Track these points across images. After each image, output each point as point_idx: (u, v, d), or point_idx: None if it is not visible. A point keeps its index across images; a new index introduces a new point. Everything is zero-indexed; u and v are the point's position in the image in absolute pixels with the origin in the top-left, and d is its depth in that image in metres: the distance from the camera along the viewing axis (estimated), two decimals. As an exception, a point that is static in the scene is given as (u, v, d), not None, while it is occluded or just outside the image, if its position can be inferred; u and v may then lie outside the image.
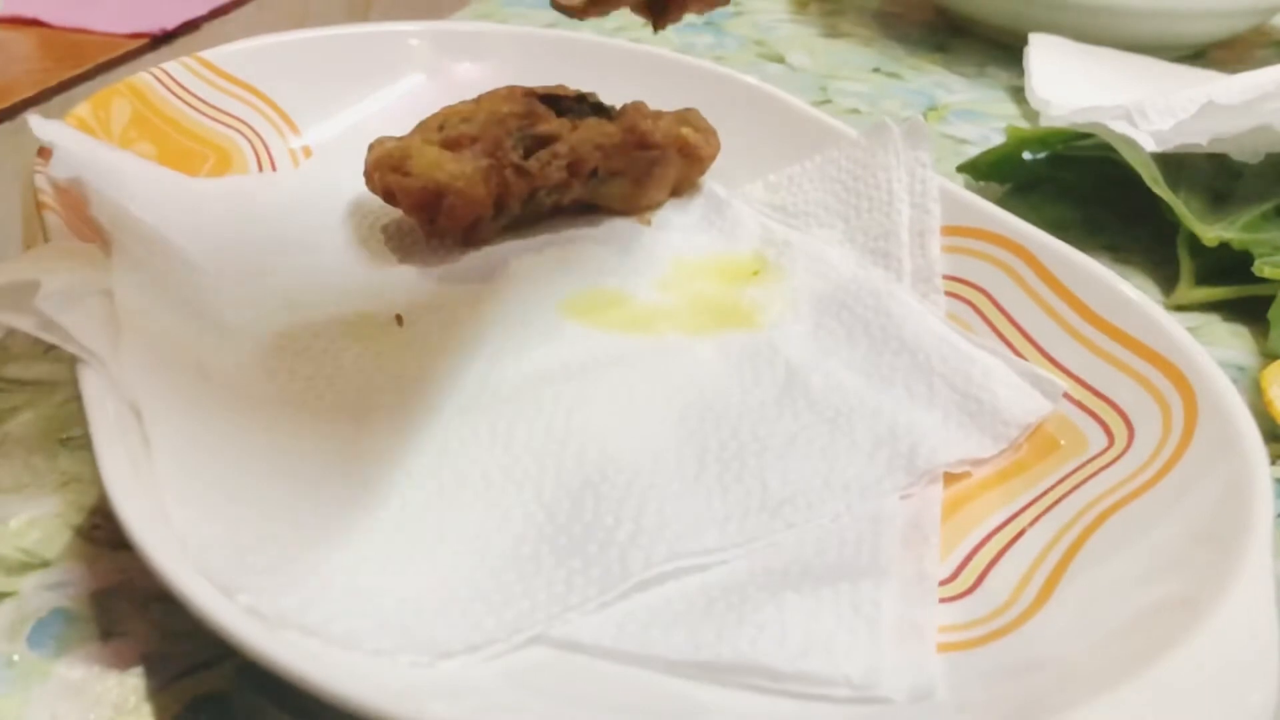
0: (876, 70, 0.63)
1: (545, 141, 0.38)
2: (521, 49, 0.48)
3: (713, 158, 0.41)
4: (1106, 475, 0.27)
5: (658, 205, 0.40)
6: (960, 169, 0.47)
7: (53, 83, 0.58)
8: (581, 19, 0.32)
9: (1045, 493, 0.28)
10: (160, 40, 0.63)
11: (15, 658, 0.24)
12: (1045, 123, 0.52)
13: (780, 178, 0.40)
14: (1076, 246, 0.33)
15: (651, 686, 0.23)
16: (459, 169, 0.36)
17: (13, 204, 0.58)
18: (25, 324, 0.25)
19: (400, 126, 0.39)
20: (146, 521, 0.21)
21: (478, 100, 0.40)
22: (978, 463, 0.29)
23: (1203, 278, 0.40)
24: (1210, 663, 0.21)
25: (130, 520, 0.21)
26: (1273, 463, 0.32)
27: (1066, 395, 0.30)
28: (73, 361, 0.25)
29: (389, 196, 0.37)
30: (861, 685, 0.22)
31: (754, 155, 0.39)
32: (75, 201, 0.32)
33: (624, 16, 0.74)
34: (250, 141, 0.42)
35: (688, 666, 0.23)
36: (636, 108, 0.39)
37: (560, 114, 0.39)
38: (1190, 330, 0.39)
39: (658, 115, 0.40)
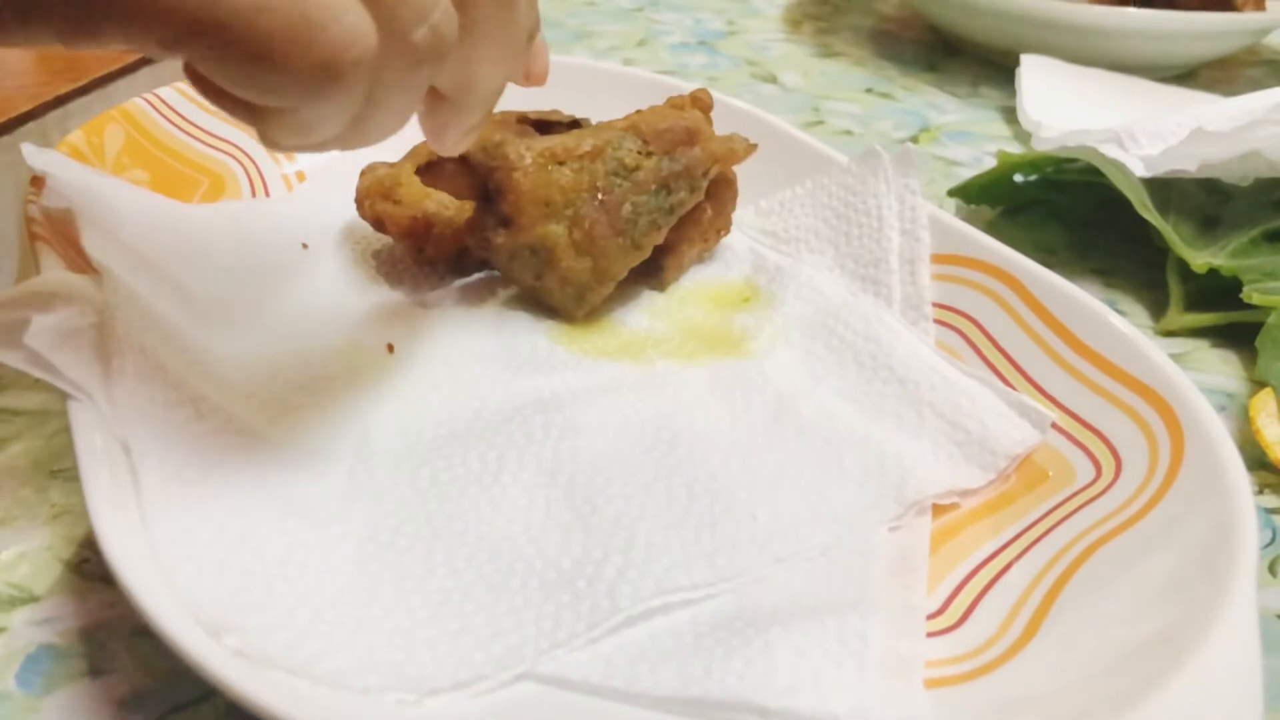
0: (869, 90, 0.63)
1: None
2: (514, 72, 0.48)
3: None
4: (1094, 508, 0.28)
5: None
6: (951, 193, 0.47)
7: (49, 98, 0.58)
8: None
9: (1033, 525, 0.28)
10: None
11: (3, 695, 0.24)
12: (1037, 144, 0.52)
13: (771, 203, 0.41)
14: (1067, 269, 0.33)
15: (639, 724, 0.23)
16: (448, 197, 0.36)
17: (8, 221, 0.58)
18: (15, 360, 0.25)
19: (393, 151, 0.39)
20: (133, 561, 0.21)
21: (470, 126, 0.40)
22: (966, 493, 0.29)
23: (1192, 303, 0.40)
24: (1195, 700, 0.21)
25: (117, 560, 0.21)
26: (1260, 491, 0.33)
27: (1055, 426, 0.30)
28: (65, 393, 0.25)
29: (379, 224, 0.37)
30: (848, 722, 0.22)
31: (745, 180, 0.39)
32: (69, 232, 0.32)
33: (616, 38, 0.74)
34: (244, 166, 0.42)
35: (675, 703, 0.23)
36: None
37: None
38: (1179, 356, 0.39)
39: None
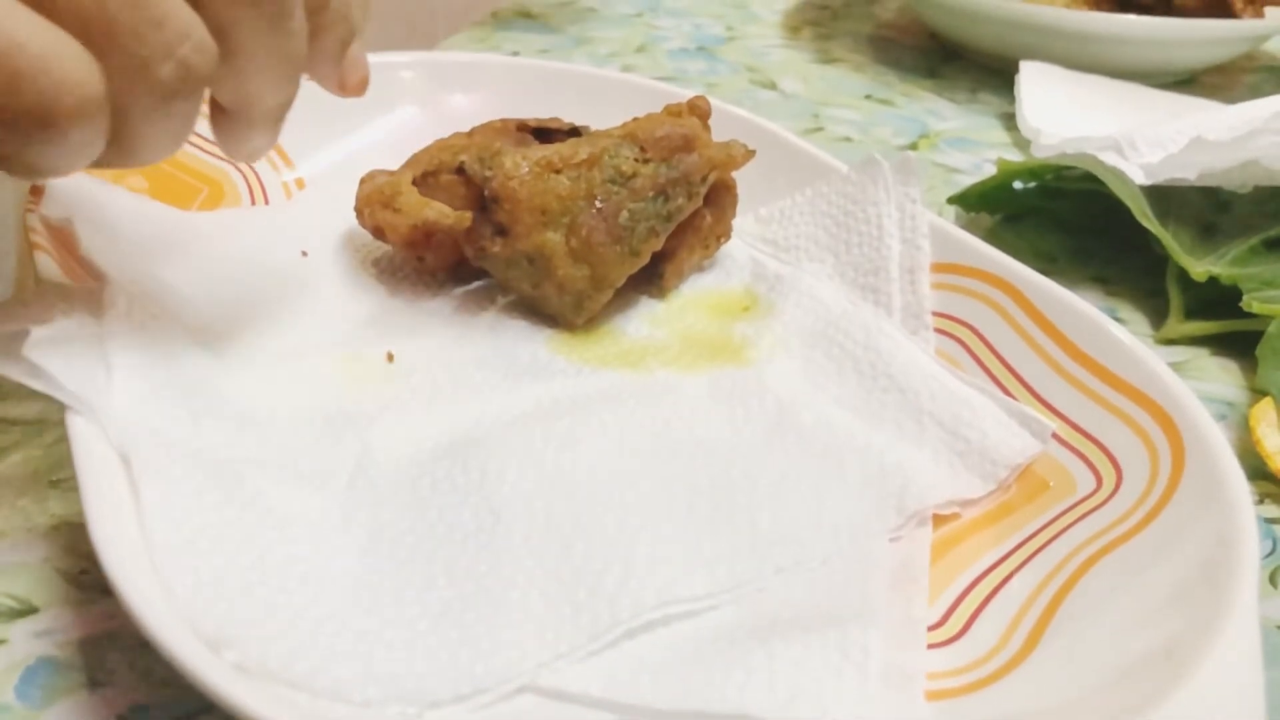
0: (868, 97, 0.63)
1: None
2: (514, 79, 0.48)
3: None
4: (1094, 519, 0.27)
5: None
6: (951, 200, 0.47)
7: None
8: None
9: (1033, 535, 0.28)
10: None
11: (2, 707, 0.24)
12: (1036, 151, 0.52)
13: (771, 211, 0.41)
14: (1067, 277, 0.33)
15: (640, 736, 0.23)
16: (447, 206, 0.36)
17: (7, 228, 0.57)
18: (14, 372, 0.25)
19: (393, 158, 0.39)
20: (132, 573, 0.21)
21: (470, 133, 0.40)
22: (967, 503, 0.29)
23: (1192, 311, 0.40)
24: (1196, 714, 0.21)
25: (116, 572, 0.21)
26: (1260, 501, 0.33)
27: (1055, 436, 0.30)
28: (63, 403, 0.25)
29: (379, 233, 0.37)
30: (850, 735, 0.22)
31: (744, 188, 0.39)
32: (68, 240, 0.32)
33: (617, 43, 0.74)
34: (243, 174, 0.42)
35: (677, 715, 0.23)
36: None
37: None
38: (1179, 365, 0.39)
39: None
